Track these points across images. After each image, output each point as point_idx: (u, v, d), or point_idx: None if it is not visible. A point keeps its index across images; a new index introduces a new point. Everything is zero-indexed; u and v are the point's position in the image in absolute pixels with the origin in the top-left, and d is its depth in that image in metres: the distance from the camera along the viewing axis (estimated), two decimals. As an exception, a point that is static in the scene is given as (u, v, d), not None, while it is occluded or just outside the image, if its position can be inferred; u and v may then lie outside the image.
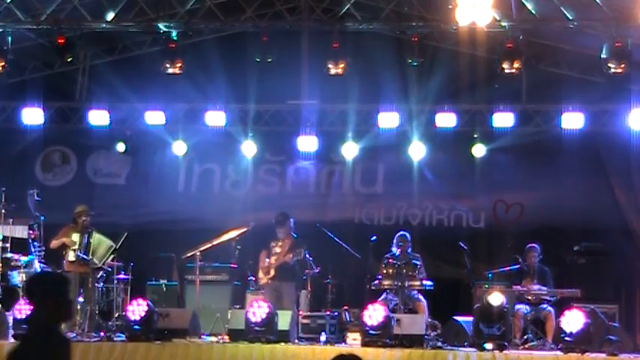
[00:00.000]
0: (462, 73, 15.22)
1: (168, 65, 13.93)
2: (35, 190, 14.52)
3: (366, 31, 14.48)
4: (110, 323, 13.52)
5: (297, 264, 13.94)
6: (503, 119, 15.40)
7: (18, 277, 13.94)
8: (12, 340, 12.66)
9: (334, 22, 14.18)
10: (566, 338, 12.40)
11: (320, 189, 16.86)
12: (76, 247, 13.60)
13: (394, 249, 13.92)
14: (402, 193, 16.54)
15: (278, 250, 13.97)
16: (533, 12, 13.52)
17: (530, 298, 13.46)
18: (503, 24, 13.41)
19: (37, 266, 13.96)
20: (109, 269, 14.05)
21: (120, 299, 14.07)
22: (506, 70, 13.60)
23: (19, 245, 14.25)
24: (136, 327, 12.79)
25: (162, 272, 15.28)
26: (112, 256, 13.91)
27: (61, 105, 16.40)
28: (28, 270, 13.87)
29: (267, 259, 13.94)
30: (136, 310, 12.82)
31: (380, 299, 13.43)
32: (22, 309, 12.83)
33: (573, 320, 12.43)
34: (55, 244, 13.83)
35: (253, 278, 14.16)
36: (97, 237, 13.78)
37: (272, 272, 13.87)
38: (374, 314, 12.60)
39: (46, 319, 5.60)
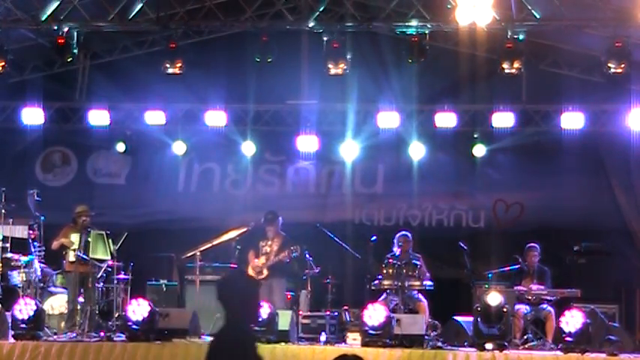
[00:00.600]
0: (462, 73, 15.22)
1: (168, 65, 13.93)
2: (35, 190, 14.53)
3: (366, 31, 14.47)
4: (110, 323, 13.51)
5: (295, 262, 13.93)
6: (503, 119, 15.40)
7: (18, 277, 13.94)
8: (12, 340, 12.68)
9: (334, 22, 14.17)
10: (566, 338, 12.41)
11: (320, 189, 16.86)
12: (75, 246, 13.59)
13: (395, 249, 13.91)
14: (401, 194, 16.54)
15: (267, 249, 13.97)
16: (533, 12, 13.52)
17: (530, 298, 13.46)
18: (503, 24, 13.40)
19: (37, 266, 13.97)
20: (120, 263, 14.05)
21: (120, 299, 14.06)
22: (506, 70, 13.59)
23: (19, 245, 14.25)
24: (136, 327, 12.79)
25: (162, 272, 15.28)
26: (113, 245, 13.86)
27: (61, 105, 16.41)
28: (28, 270, 13.87)
29: (257, 260, 13.95)
30: (138, 310, 12.82)
31: (380, 299, 13.42)
32: (22, 309, 12.83)
33: (573, 320, 12.43)
34: (55, 245, 13.83)
35: (250, 279, 14.14)
36: (93, 234, 13.79)
37: (265, 272, 13.87)
38: (374, 314, 12.60)
39: (236, 319, 5.88)
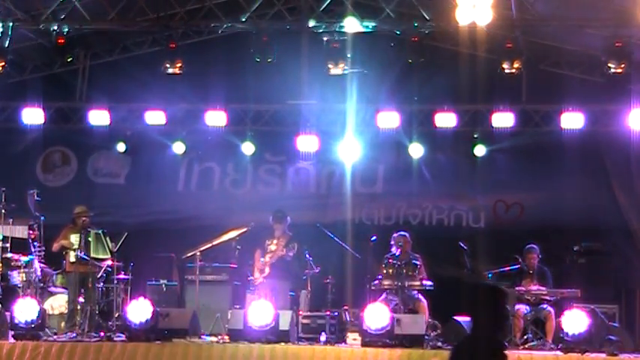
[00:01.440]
0: (462, 73, 15.21)
1: (168, 65, 13.93)
2: (35, 190, 14.54)
3: (366, 31, 14.47)
4: (110, 323, 13.52)
5: (296, 262, 13.93)
6: (503, 119, 15.39)
7: (18, 277, 13.95)
8: (12, 340, 12.67)
9: (334, 22, 14.17)
10: (566, 338, 12.41)
11: (320, 189, 16.88)
12: (76, 246, 13.61)
13: (394, 249, 13.91)
14: (401, 193, 16.55)
15: (273, 247, 13.99)
16: (534, 12, 13.51)
17: (530, 298, 13.46)
18: (503, 24, 13.40)
19: (37, 266, 13.97)
20: (120, 263, 14.06)
21: (120, 299, 14.07)
22: (506, 70, 13.60)
23: (19, 245, 14.25)
24: (136, 327, 12.80)
25: (162, 272, 15.27)
26: (111, 243, 13.88)
27: (61, 105, 16.40)
28: (28, 270, 13.87)
29: (263, 258, 13.96)
30: (140, 310, 12.82)
31: (380, 299, 13.42)
32: (23, 309, 12.83)
33: (574, 320, 12.44)
34: (55, 247, 13.90)
35: (253, 278, 14.13)
36: (92, 233, 13.82)
37: (267, 270, 13.89)
38: (374, 314, 12.61)
39: (484, 329, 5.89)
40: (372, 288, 13.58)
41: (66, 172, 17.14)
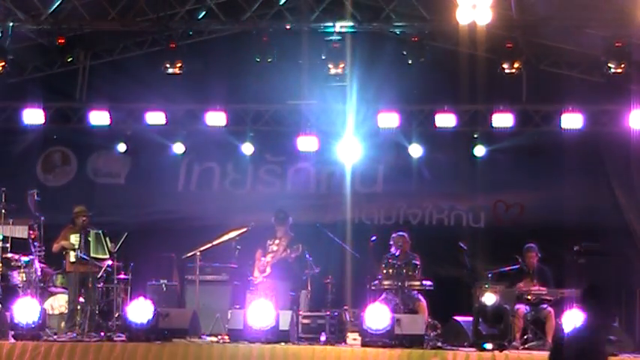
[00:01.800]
0: (462, 73, 15.21)
1: (168, 65, 13.94)
2: (35, 190, 14.53)
3: (366, 31, 14.47)
4: (110, 323, 13.52)
5: (297, 263, 13.93)
6: (503, 119, 15.40)
7: (18, 277, 13.95)
8: (12, 340, 12.67)
9: (334, 22, 14.17)
10: (566, 338, 12.40)
11: (320, 189, 16.89)
12: (76, 246, 13.62)
13: (393, 249, 13.91)
14: (401, 193, 16.57)
15: (275, 247, 13.97)
16: (534, 12, 13.51)
17: (530, 298, 13.46)
18: (503, 24, 13.40)
19: (37, 266, 13.98)
20: (120, 263, 14.06)
21: (120, 299, 14.07)
22: (506, 70, 13.61)
23: (19, 245, 14.25)
24: (137, 327, 12.80)
25: (162, 272, 15.27)
26: (110, 243, 13.90)
27: (61, 105, 16.40)
28: (28, 270, 13.87)
29: (264, 258, 13.96)
30: (141, 310, 12.82)
31: (380, 299, 13.42)
32: (24, 309, 12.82)
33: (574, 320, 12.42)
34: (55, 247, 13.91)
35: (253, 278, 14.13)
36: (92, 233, 13.83)
37: (268, 270, 13.89)
38: (374, 314, 12.61)
39: (596, 323, 6.23)
40: (372, 288, 13.58)
41: (66, 172, 17.15)
